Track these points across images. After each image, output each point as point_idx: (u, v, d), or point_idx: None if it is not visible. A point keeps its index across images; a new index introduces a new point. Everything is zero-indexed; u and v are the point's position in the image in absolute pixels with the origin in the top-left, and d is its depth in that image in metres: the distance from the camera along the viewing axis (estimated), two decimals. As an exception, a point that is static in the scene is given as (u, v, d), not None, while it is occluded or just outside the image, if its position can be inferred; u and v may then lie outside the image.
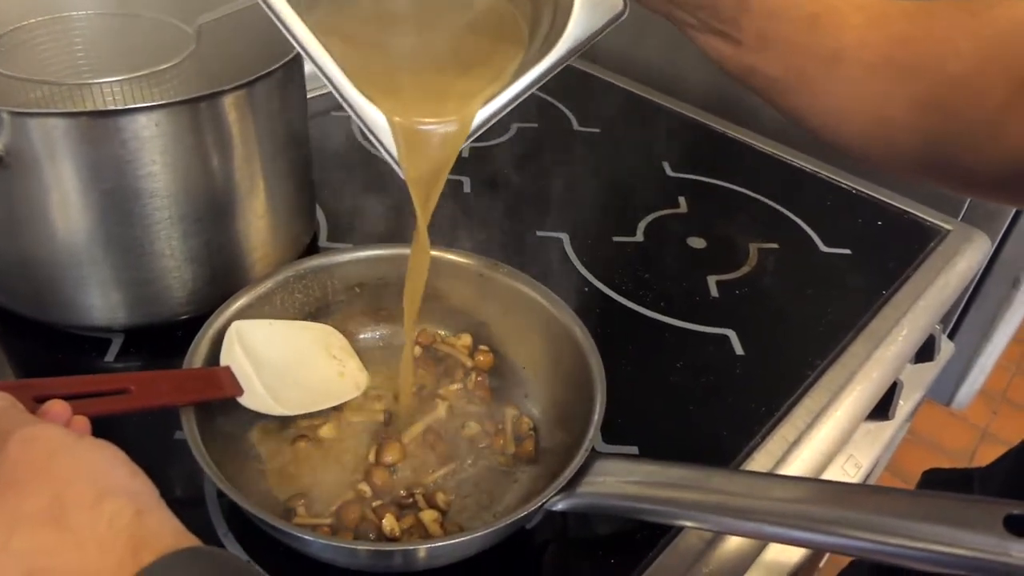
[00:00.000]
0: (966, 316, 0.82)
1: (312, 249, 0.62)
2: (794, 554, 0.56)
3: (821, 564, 1.18)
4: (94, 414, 0.35)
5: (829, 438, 0.54)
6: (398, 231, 0.63)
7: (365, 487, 0.42)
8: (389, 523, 0.40)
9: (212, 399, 0.42)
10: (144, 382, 0.38)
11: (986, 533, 0.29)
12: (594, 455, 0.40)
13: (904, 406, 0.71)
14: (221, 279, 0.52)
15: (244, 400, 0.43)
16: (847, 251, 0.69)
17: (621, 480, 0.38)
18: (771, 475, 0.44)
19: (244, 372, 0.44)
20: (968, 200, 0.77)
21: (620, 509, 0.38)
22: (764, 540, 0.42)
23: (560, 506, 0.39)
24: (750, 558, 0.46)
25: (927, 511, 0.30)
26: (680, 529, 0.45)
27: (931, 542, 0.30)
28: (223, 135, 0.48)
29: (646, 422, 0.52)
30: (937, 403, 0.98)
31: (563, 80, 0.90)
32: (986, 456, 1.55)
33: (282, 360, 0.46)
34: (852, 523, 0.31)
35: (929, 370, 0.74)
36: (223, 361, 0.44)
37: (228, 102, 0.47)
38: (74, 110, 0.43)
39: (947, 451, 1.55)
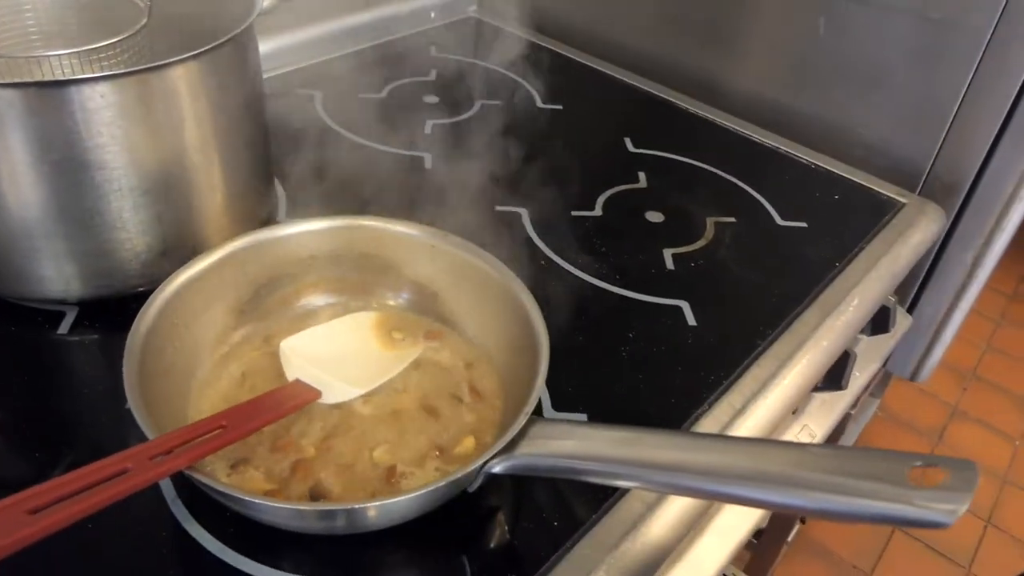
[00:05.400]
0: (925, 290, 0.84)
1: (270, 224, 0.62)
2: (738, 523, 0.57)
3: (789, 538, 1.21)
4: (202, 456, 0.37)
5: (777, 405, 0.55)
6: (358, 208, 0.64)
7: (311, 451, 0.43)
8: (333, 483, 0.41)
9: (297, 410, 0.44)
10: (235, 416, 0.40)
11: (891, 484, 0.30)
12: (535, 419, 0.41)
13: (859, 377, 0.73)
14: (175, 252, 0.53)
15: (324, 399, 0.45)
16: (803, 224, 0.70)
17: (559, 442, 0.39)
18: (698, 433, 0.46)
19: (312, 376, 0.46)
20: (926, 174, 0.78)
21: (559, 470, 0.39)
22: (683, 495, 0.43)
23: (498, 468, 0.39)
24: (689, 523, 0.47)
25: (838, 465, 0.31)
26: (621, 495, 0.46)
27: (841, 493, 0.31)
28: (172, 108, 0.49)
29: (596, 391, 0.53)
30: (900, 378, 1.00)
31: (528, 57, 0.91)
32: (956, 433, 1.58)
33: (337, 354, 0.49)
34: (768, 477, 0.32)
35: (885, 342, 0.75)
36: (289, 378, 0.46)
37: (176, 74, 0.48)
38: (21, 80, 0.43)
39: (917, 429, 1.57)
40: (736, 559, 1.20)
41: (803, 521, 1.21)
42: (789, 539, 1.17)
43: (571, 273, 0.62)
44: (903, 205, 0.74)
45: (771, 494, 0.32)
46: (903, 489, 0.29)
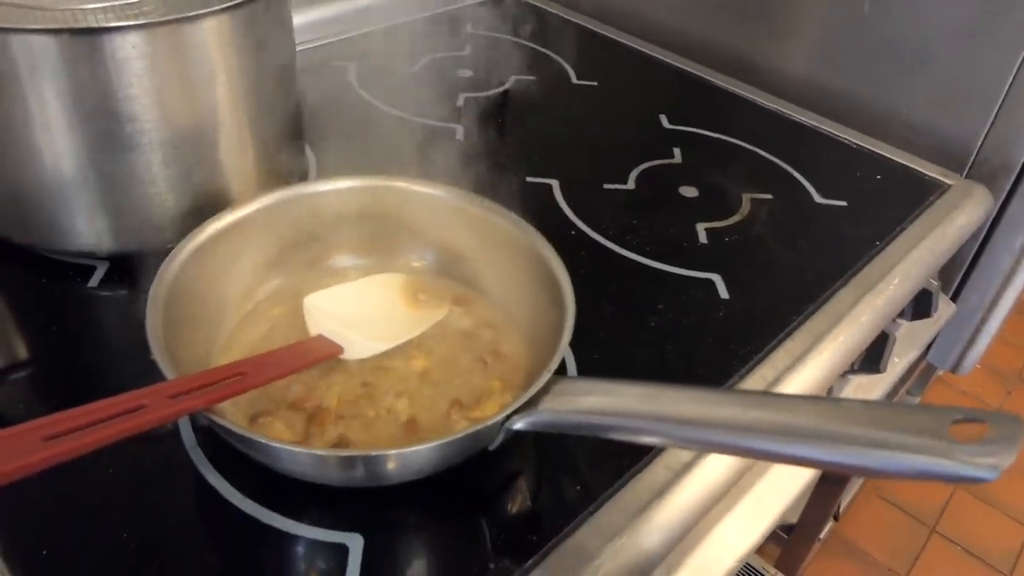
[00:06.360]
0: (970, 277, 0.81)
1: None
2: (771, 499, 0.55)
3: (821, 535, 1.18)
4: (220, 399, 0.37)
5: (809, 381, 0.53)
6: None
7: (332, 405, 0.43)
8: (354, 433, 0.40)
9: (318, 363, 0.44)
10: (255, 364, 0.40)
11: (932, 438, 0.28)
12: (558, 377, 0.40)
13: (898, 363, 0.71)
14: (204, 209, 0.52)
15: (347, 355, 0.45)
16: (843, 203, 0.68)
17: (582, 397, 0.38)
18: (725, 389, 0.44)
19: (335, 332, 0.45)
20: (974, 156, 0.76)
21: (582, 426, 0.38)
22: (714, 451, 0.42)
23: (520, 424, 0.39)
24: (718, 494, 0.46)
25: (875, 418, 0.30)
26: (647, 462, 0.45)
27: (877, 447, 0.29)
28: (204, 61, 0.49)
29: (622, 359, 0.52)
30: (941, 380, 0.97)
31: (562, 34, 0.91)
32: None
33: (361, 312, 0.48)
34: (800, 431, 0.31)
35: (926, 328, 0.73)
36: (312, 333, 0.46)
37: (207, 27, 0.48)
38: (54, 27, 0.43)
39: (958, 430, 1.53)
40: (766, 554, 1.18)
41: (836, 518, 1.18)
42: (821, 536, 1.15)
43: (600, 244, 0.61)
44: (949, 187, 0.72)
45: (804, 449, 0.30)
46: (944, 443, 0.28)
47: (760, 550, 1.00)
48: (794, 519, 1.09)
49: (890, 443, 0.29)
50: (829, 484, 1.04)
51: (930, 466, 0.28)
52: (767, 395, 0.34)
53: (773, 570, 1.00)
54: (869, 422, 0.30)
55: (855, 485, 1.22)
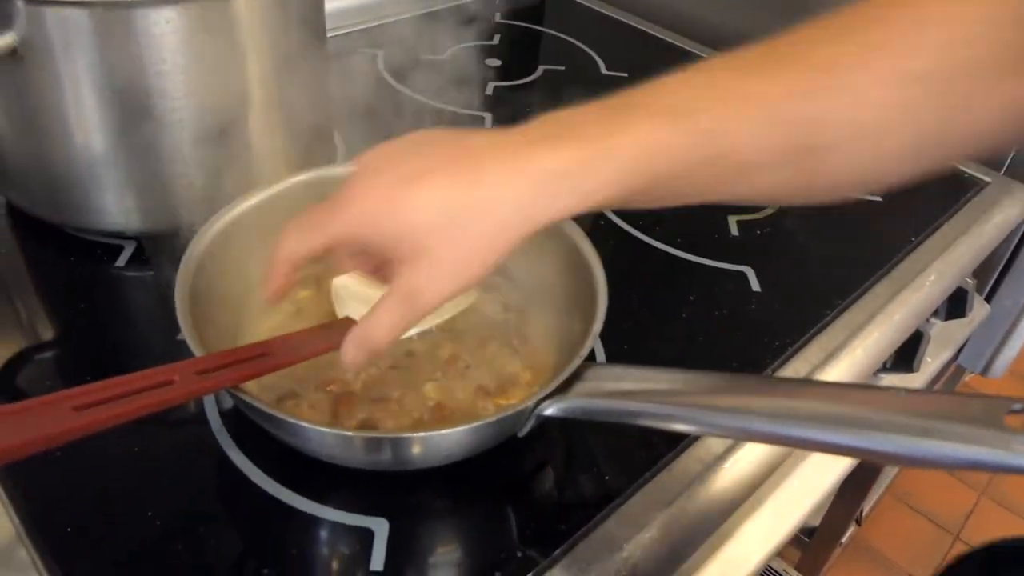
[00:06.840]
0: (1005, 278, 0.79)
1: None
2: (802, 494, 0.54)
3: (843, 539, 1.16)
4: (247, 377, 0.36)
5: (844, 377, 0.52)
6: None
7: (357, 387, 0.42)
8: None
9: None
10: (283, 344, 0.39)
11: (988, 428, 0.27)
12: (589, 364, 0.39)
13: (931, 363, 0.69)
14: (232, 189, 0.52)
15: None
16: (877, 198, 0.67)
17: (614, 383, 0.37)
18: (763, 376, 0.43)
19: (363, 315, 0.44)
20: (1012, 153, 0.74)
21: (614, 413, 0.37)
22: (752, 439, 0.41)
23: (551, 410, 0.38)
24: (751, 484, 0.45)
25: (926, 407, 0.29)
26: (678, 452, 0.44)
27: (930, 437, 0.28)
28: (236, 39, 0.48)
29: (653, 351, 0.51)
30: (967, 383, 0.95)
31: (591, 25, 0.90)
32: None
33: None
34: (847, 420, 0.30)
35: (960, 328, 0.71)
36: (340, 315, 0.44)
37: (241, 4, 0.47)
38: (89, 0, 0.43)
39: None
40: (786, 558, 1.16)
41: (859, 523, 1.16)
42: (843, 540, 1.13)
43: (630, 233, 0.60)
44: (986, 184, 0.70)
45: (848, 437, 0.29)
46: (1000, 433, 0.27)
47: (781, 553, 0.99)
48: (816, 522, 1.08)
49: (943, 433, 0.28)
50: (853, 488, 1.02)
51: (985, 456, 0.27)
52: (808, 382, 0.33)
53: (795, 573, 0.99)
54: (917, 410, 0.29)
55: (878, 490, 1.20)
